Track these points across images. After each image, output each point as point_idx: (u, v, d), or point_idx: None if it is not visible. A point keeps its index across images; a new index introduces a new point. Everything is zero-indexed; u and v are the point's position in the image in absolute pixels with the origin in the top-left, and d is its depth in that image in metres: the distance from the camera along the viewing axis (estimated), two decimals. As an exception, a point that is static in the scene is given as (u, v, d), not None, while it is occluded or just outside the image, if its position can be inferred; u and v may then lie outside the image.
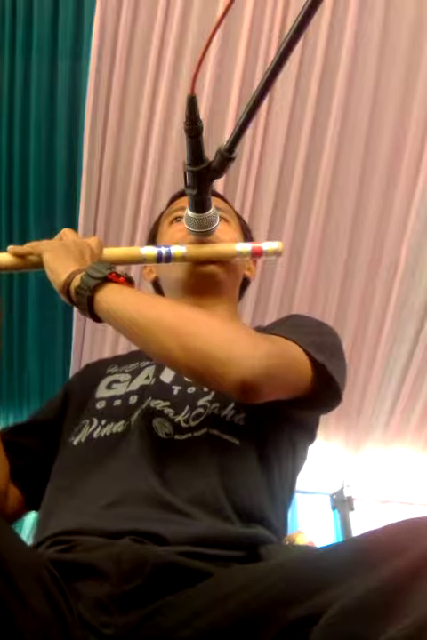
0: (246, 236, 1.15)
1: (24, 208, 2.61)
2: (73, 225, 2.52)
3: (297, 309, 2.68)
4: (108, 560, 0.71)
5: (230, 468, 0.85)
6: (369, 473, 3.49)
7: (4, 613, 0.60)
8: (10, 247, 0.96)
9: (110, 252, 1.02)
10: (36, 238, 0.97)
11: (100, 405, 0.98)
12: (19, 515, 1.02)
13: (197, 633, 0.63)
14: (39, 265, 0.92)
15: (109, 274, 0.83)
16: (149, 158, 2.46)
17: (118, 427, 0.91)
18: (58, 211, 2.59)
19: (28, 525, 2.59)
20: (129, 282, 0.85)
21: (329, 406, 0.91)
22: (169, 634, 0.66)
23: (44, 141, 2.48)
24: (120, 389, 0.99)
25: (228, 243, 1.04)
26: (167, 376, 0.95)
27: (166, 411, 0.89)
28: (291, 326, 0.92)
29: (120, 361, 1.10)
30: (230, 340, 0.75)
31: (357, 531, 3.22)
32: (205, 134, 0.87)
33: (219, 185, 2.23)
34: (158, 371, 0.97)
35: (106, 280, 0.82)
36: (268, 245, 1.06)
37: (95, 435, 0.92)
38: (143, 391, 0.95)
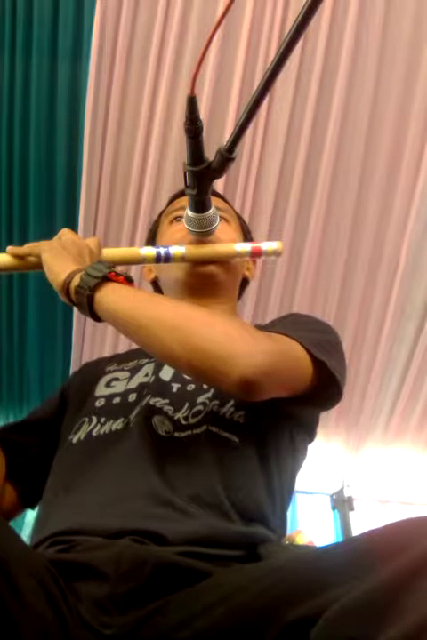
0: (246, 236, 1.15)
1: (24, 208, 2.61)
2: (73, 225, 2.52)
3: (297, 309, 2.67)
4: (108, 560, 0.71)
5: (230, 465, 0.85)
6: (369, 473, 3.49)
7: (3, 613, 0.60)
8: (9, 248, 0.96)
9: (109, 252, 1.02)
10: (36, 238, 0.97)
11: (99, 403, 0.98)
12: (14, 513, 1.02)
13: (197, 633, 0.63)
14: (38, 265, 0.93)
15: (109, 273, 0.83)
16: (149, 158, 2.46)
17: (118, 424, 0.91)
18: (58, 211, 2.59)
19: (28, 524, 2.59)
20: (129, 281, 0.85)
21: (329, 403, 0.91)
22: (169, 634, 0.66)
23: (44, 141, 2.48)
24: (119, 387, 0.99)
25: (227, 243, 1.04)
26: (166, 374, 0.95)
27: (166, 408, 0.90)
28: (291, 324, 0.92)
29: (119, 359, 1.10)
30: (231, 338, 0.75)
31: (357, 531, 3.21)
32: (205, 134, 0.87)
33: (219, 185, 2.23)
34: (158, 368, 0.97)
35: (105, 279, 0.82)
36: (267, 245, 1.06)
37: (94, 433, 0.92)
38: (142, 389, 0.95)
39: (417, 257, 2.66)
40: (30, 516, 2.23)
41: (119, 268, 0.87)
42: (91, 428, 0.93)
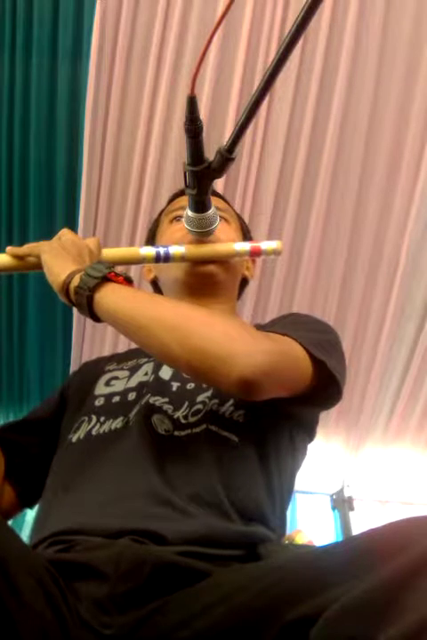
0: (246, 235, 1.15)
1: (24, 208, 2.61)
2: (73, 225, 2.52)
3: (297, 309, 2.67)
4: (108, 560, 0.71)
5: (229, 464, 0.85)
6: (369, 473, 3.49)
7: (2, 612, 0.60)
8: (8, 248, 0.96)
9: (109, 252, 1.02)
10: (36, 239, 0.97)
11: (98, 402, 0.98)
12: (13, 513, 1.02)
13: (197, 633, 0.63)
14: (38, 266, 0.92)
15: (109, 273, 0.83)
16: (149, 158, 2.46)
17: (117, 423, 0.91)
18: (58, 211, 2.59)
19: (28, 524, 2.59)
20: (128, 281, 0.85)
21: (329, 403, 0.91)
22: (169, 634, 0.65)
23: (44, 141, 2.48)
24: (119, 386, 0.99)
25: (227, 243, 1.04)
26: (166, 372, 0.95)
27: (165, 407, 0.89)
28: (290, 324, 0.92)
29: (119, 358, 1.10)
30: (231, 338, 0.75)
31: (357, 531, 3.21)
32: (205, 134, 0.87)
33: (219, 185, 2.23)
34: (157, 367, 0.97)
35: (105, 279, 0.82)
36: (267, 245, 1.06)
37: (94, 432, 0.92)
38: (142, 388, 0.95)
39: (417, 257, 2.66)
40: (30, 515, 2.23)
41: (119, 269, 0.87)
42: (90, 427, 0.93)
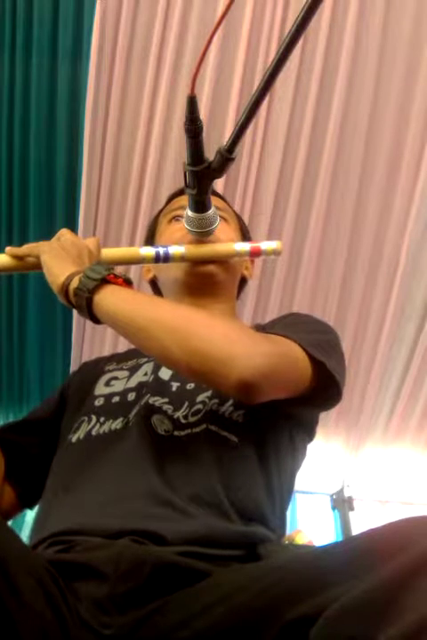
0: (245, 235, 1.15)
1: (24, 208, 2.61)
2: (73, 225, 2.52)
3: (297, 309, 2.67)
4: (108, 561, 0.71)
5: (229, 464, 0.85)
6: (369, 473, 3.49)
7: (2, 612, 0.60)
8: (8, 248, 0.96)
9: (109, 252, 1.02)
10: (36, 239, 0.97)
11: (98, 402, 0.98)
12: (13, 513, 1.02)
13: (197, 633, 0.63)
14: (37, 266, 0.92)
15: (108, 275, 0.83)
16: (149, 158, 2.46)
17: (117, 424, 0.91)
18: (58, 211, 2.59)
19: (28, 524, 2.59)
20: (128, 283, 0.85)
21: (329, 404, 0.91)
22: (168, 634, 0.65)
23: (44, 141, 2.48)
24: (118, 386, 0.99)
25: (227, 243, 1.04)
26: (166, 373, 0.95)
27: (165, 407, 0.89)
28: (290, 325, 0.92)
29: (118, 358, 1.10)
30: (230, 340, 0.75)
31: (357, 531, 3.21)
32: (205, 134, 0.87)
33: (219, 185, 2.23)
34: (157, 367, 0.97)
35: (104, 281, 0.82)
36: (266, 245, 1.06)
37: (94, 432, 0.92)
38: (142, 388, 0.95)
39: (417, 257, 2.66)
40: (30, 515, 2.23)
41: (118, 270, 0.87)
42: (90, 427, 0.93)
